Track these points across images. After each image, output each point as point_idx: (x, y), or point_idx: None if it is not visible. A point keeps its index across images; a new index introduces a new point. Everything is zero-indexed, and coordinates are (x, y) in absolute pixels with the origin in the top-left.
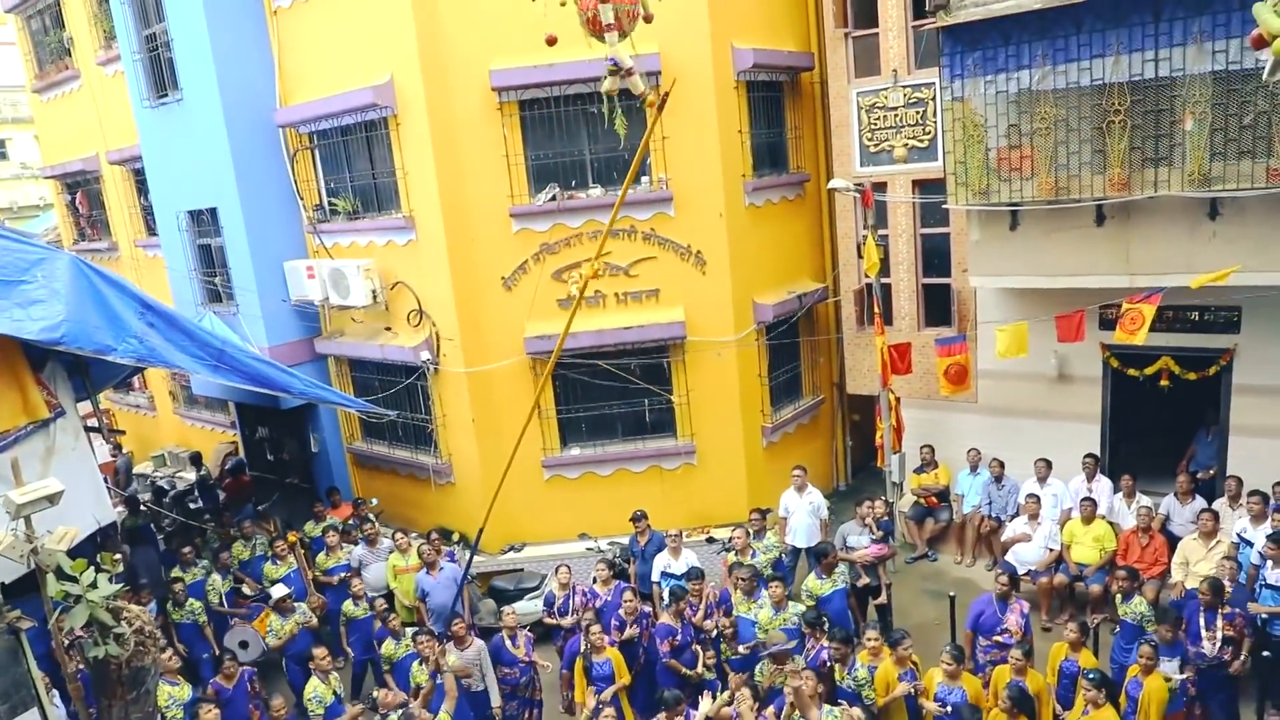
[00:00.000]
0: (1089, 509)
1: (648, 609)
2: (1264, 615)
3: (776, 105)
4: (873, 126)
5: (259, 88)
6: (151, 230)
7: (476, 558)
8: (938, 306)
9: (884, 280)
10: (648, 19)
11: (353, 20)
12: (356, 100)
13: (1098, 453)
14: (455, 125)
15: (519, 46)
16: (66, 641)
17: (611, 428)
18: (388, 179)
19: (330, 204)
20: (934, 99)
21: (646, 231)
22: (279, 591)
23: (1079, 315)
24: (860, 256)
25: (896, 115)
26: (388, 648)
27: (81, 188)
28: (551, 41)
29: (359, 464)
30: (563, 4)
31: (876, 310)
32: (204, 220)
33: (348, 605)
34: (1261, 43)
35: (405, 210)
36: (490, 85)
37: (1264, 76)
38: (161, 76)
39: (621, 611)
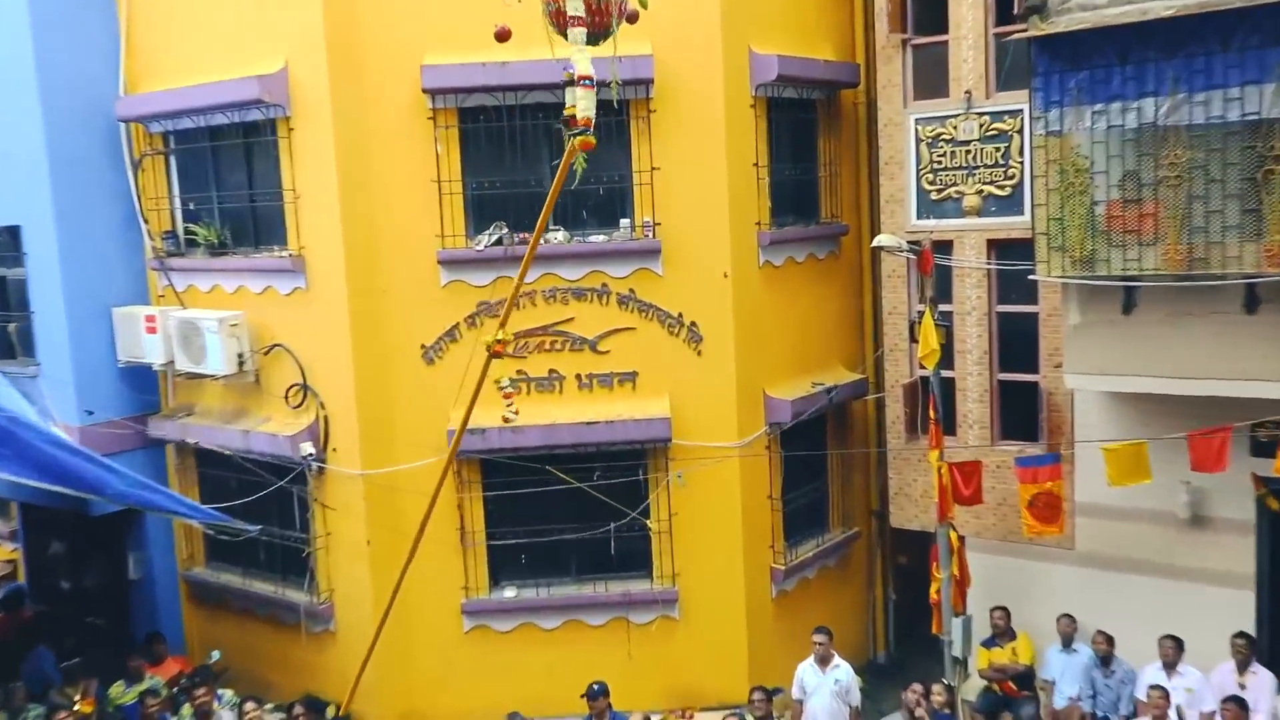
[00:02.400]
0: (1236, 712)
1: None
2: None
3: (807, 132)
4: (935, 166)
5: (95, 67)
6: None
7: None
8: (1019, 413)
9: (945, 374)
10: (632, 18)
11: None
12: (235, 93)
13: (1252, 631)
14: (370, 136)
15: (462, 39)
16: None
17: (562, 562)
18: (271, 203)
19: (188, 232)
20: (1021, 132)
21: (623, 293)
22: None
23: (1222, 436)
24: (913, 340)
25: (968, 152)
26: None
27: None
28: (503, 36)
29: (196, 599)
30: None
31: (934, 414)
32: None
33: None
34: None
35: (293, 247)
36: (421, 86)
37: None
38: None
39: None
